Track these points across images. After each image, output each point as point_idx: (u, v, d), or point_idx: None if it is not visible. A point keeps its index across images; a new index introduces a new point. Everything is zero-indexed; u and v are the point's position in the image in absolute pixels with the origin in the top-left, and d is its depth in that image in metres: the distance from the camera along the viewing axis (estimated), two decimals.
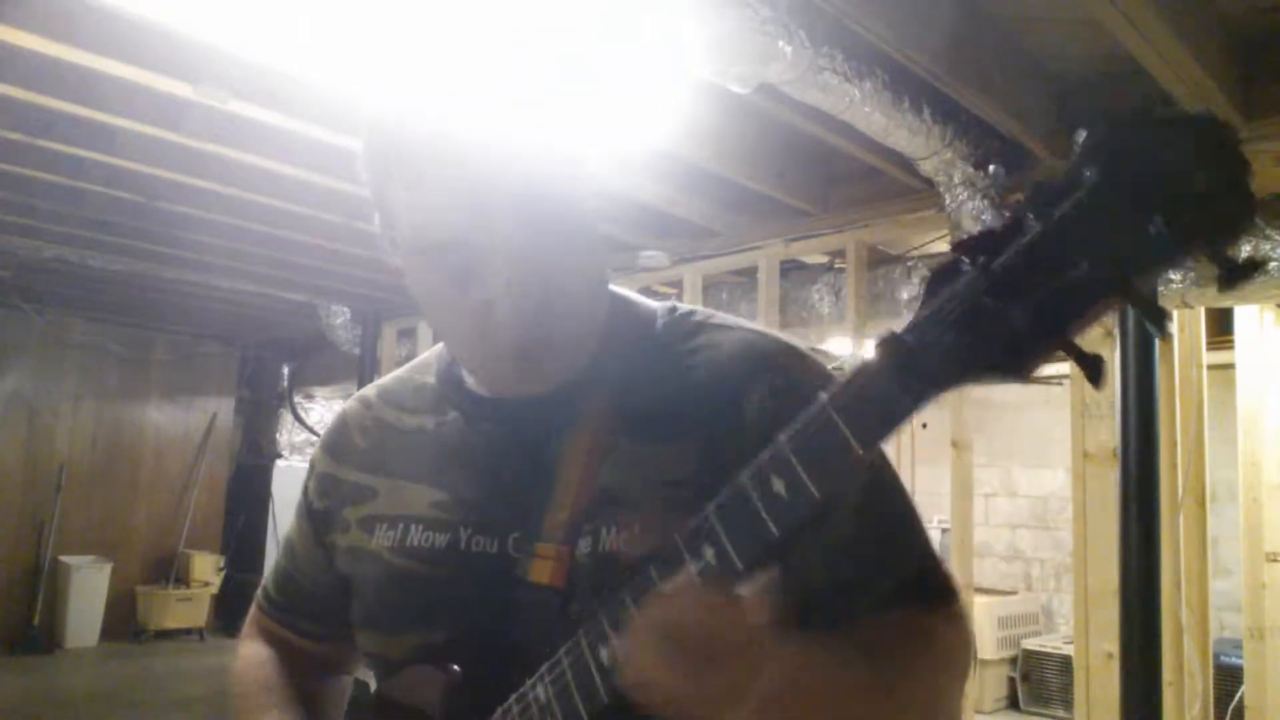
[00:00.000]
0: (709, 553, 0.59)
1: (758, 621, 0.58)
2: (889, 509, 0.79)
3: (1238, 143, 0.45)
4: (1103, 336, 2.70)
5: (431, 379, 0.92)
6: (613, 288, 0.89)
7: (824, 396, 0.55)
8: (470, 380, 0.88)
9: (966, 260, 0.50)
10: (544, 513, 0.77)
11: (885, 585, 0.76)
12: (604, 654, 0.64)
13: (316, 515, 0.94)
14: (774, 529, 0.56)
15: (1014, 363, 0.49)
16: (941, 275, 0.52)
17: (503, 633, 0.76)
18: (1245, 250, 2.70)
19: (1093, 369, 0.48)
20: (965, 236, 0.51)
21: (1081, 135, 0.47)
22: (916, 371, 0.51)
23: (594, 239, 0.80)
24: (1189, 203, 0.44)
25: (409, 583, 0.82)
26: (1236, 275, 0.46)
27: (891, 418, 0.53)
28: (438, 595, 0.80)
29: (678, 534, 0.61)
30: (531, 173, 0.72)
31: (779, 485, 0.56)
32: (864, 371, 0.54)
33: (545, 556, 0.75)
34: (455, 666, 0.76)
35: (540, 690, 0.69)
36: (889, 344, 0.52)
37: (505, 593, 0.76)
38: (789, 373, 0.78)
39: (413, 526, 0.83)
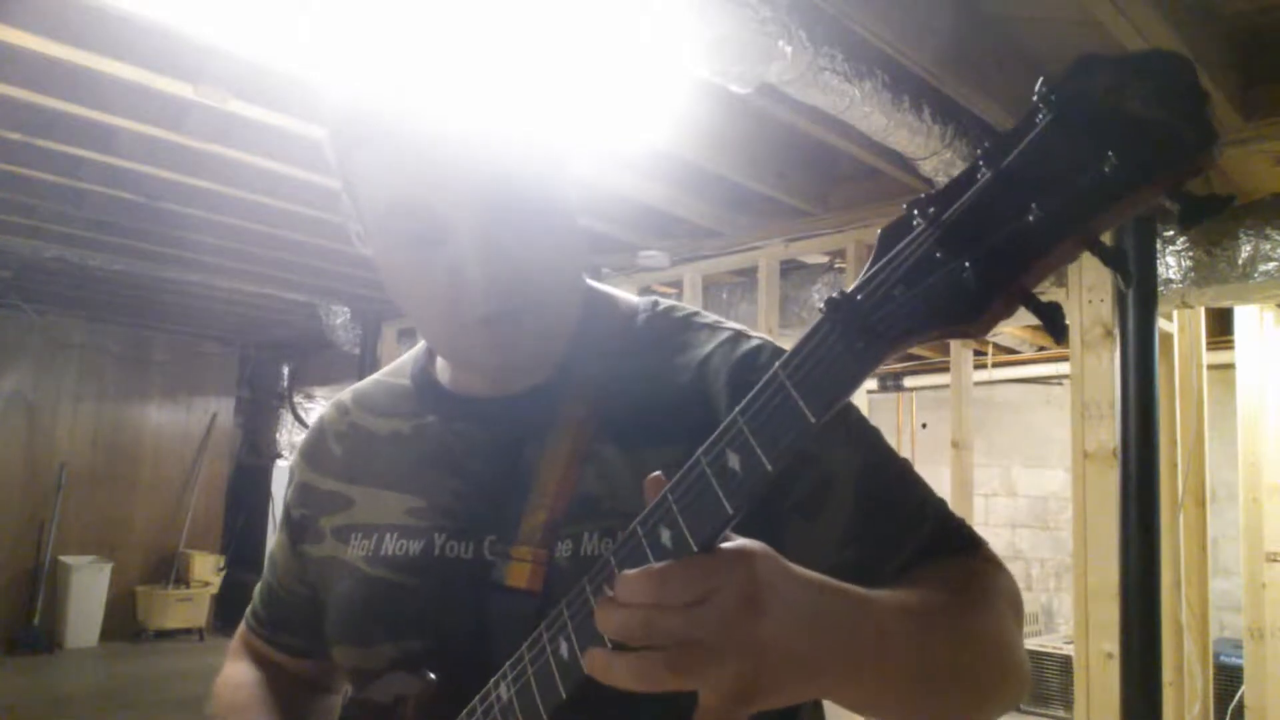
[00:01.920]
0: (665, 536, 0.57)
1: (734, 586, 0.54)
2: (888, 481, 0.76)
3: (1196, 75, 0.43)
4: (1102, 336, 2.70)
5: (407, 381, 0.90)
6: (592, 283, 0.87)
7: (778, 364, 0.53)
8: (445, 380, 0.87)
9: (918, 214, 0.48)
10: (521, 515, 0.75)
11: (903, 554, 0.73)
12: (564, 649, 0.62)
13: (294, 524, 0.93)
14: (729, 507, 0.54)
15: (966, 315, 0.46)
16: (892, 231, 0.50)
17: (477, 639, 0.74)
18: (1245, 250, 2.70)
19: (1051, 319, 0.46)
20: (919, 195, 0.50)
21: (1039, 82, 0.46)
22: (867, 331, 0.49)
23: (567, 225, 0.77)
24: (1142, 137, 0.42)
25: (383, 593, 0.80)
26: (1195, 211, 0.43)
27: (844, 381, 0.50)
28: (412, 605, 0.78)
29: (636, 521, 0.59)
30: (499, 143, 0.71)
31: (734, 461, 0.54)
32: (815, 335, 0.51)
33: (522, 560, 0.73)
34: (431, 674, 0.75)
35: (503, 688, 0.68)
36: (838, 304, 0.50)
37: (481, 598, 0.74)
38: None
39: (388, 535, 0.81)
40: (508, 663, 0.68)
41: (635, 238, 3.79)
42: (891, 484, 0.77)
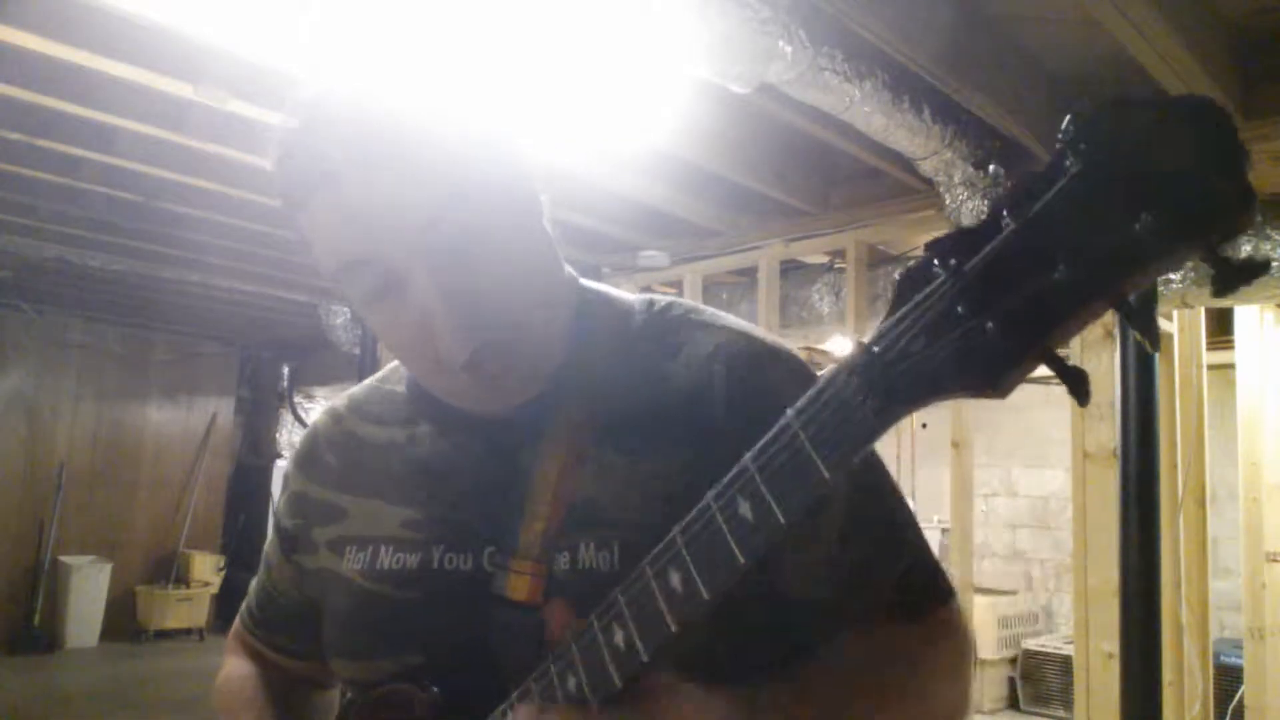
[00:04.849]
0: (675, 579, 0.57)
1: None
2: (874, 510, 0.76)
3: (1235, 129, 0.39)
4: (1103, 336, 2.70)
5: (401, 388, 0.88)
6: (586, 283, 0.85)
7: (790, 412, 0.52)
8: None
9: (937, 261, 0.46)
10: (519, 526, 0.74)
11: (874, 587, 0.74)
12: (572, 683, 0.63)
13: (286, 534, 0.92)
14: (740, 556, 0.54)
15: (988, 378, 0.44)
16: (911, 278, 0.47)
17: (480, 651, 0.73)
18: (1245, 250, 2.70)
19: (1075, 384, 0.44)
20: (939, 235, 0.47)
21: (1066, 121, 0.42)
22: (885, 388, 0.47)
23: (529, 241, 0.75)
24: (1178, 195, 0.39)
25: (380, 607, 0.79)
26: (1233, 278, 0.40)
27: (859, 438, 0.49)
28: (411, 618, 0.77)
29: (646, 561, 0.59)
30: (439, 185, 0.68)
31: (745, 509, 0.53)
32: (831, 386, 0.50)
33: (521, 572, 0.73)
34: (435, 688, 0.74)
35: (509, 718, 0.68)
36: (857, 357, 0.49)
37: (481, 610, 0.74)
38: (768, 377, 0.76)
39: (383, 548, 0.80)
40: (515, 692, 0.68)
41: (635, 238, 3.79)
42: (877, 511, 0.76)
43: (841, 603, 0.72)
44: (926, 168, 2.64)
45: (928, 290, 0.46)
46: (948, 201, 2.73)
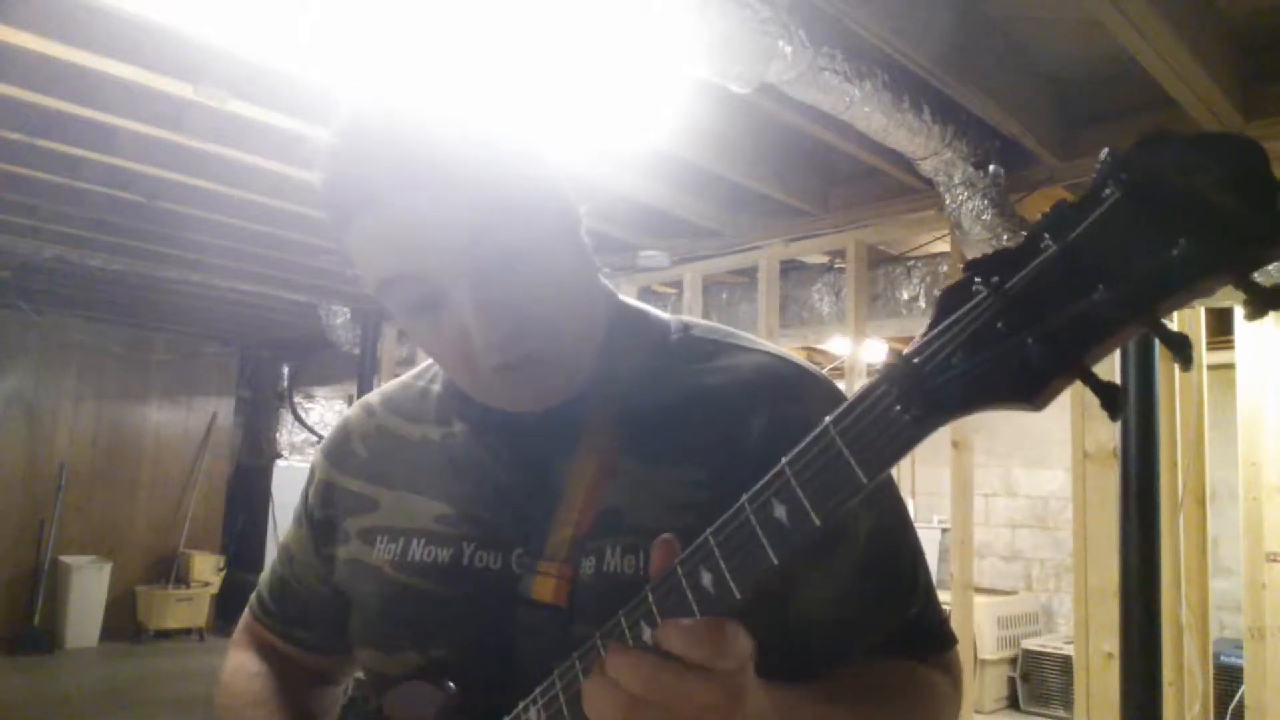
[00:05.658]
0: (707, 579, 0.58)
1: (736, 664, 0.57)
2: (895, 551, 0.79)
3: (1268, 162, 0.42)
4: None
5: (437, 387, 0.91)
6: (623, 298, 0.87)
7: (829, 419, 0.53)
8: None
9: (979, 280, 0.48)
10: (549, 529, 0.76)
11: (884, 626, 0.76)
12: None
13: (316, 524, 0.93)
14: (773, 557, 0.55)
15: (1027, 391, 0.46)
16: (952, 295, 0.49)
17: (503, 651, 0.75)
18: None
19: (1110, 399, 0.45)
20: (980, 256, 0.49)
21: (1104, 154, 0.44)
22: (924, 398, 0.49)
23: (567, 254, 0.76)
24: (1215, 225, 0.41)
25: (409, 599, 0.80)
26: (1266, 303, 0.42)
27: (898, 445, 0.50)
28: (439, 612, 0.79)
29: (677, 559, 0.60)
30: (477, 203, 0.69)
31: (780, 511, 0.55)
32: (870, 395, 0.51)
33: (548, 574, 0.74)
34: (452, 685, 0.75)
35: (533, 713, 0.69)
36: (897, 367, 0.50)
37: (507, 610, 0.75)
38: (803, 401, 0.77)
39: (415, 540, 0.82)
40: (538, 688, 0.69)
41: (635, 238, 3.79)
42: (897, 552, 0.79)
43: (850, 638, 0.75)
44: (926, 168, 2.64)
45: (969, 306, 0.48)
46: (948, 201, 2.73)
